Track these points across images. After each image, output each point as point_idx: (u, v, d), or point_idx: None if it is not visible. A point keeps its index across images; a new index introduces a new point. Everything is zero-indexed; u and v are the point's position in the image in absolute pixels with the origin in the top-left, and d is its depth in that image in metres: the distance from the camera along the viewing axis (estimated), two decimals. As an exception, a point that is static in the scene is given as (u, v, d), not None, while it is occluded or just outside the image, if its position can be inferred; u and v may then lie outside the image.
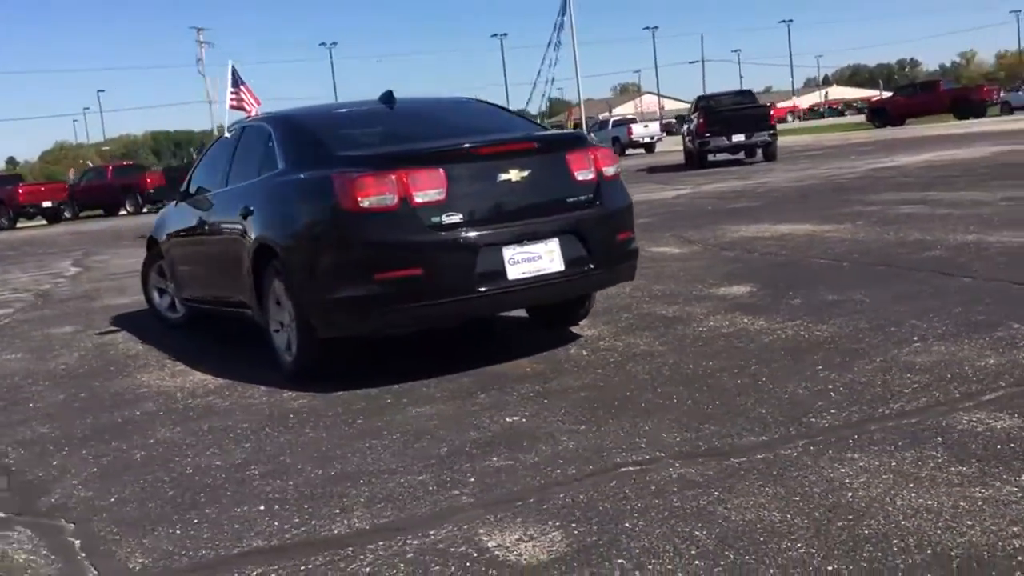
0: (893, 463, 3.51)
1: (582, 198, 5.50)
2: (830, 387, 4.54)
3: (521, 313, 6.56)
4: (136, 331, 8.22)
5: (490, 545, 3.18)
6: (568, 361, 5.60)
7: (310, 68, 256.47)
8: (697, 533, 3.09)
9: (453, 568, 3.04)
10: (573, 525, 3.26)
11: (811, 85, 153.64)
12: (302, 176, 5.54)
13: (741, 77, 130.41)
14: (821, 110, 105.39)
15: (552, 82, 60.69)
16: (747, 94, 29.04)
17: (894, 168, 18.46)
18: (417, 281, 5.04)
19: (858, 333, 5.51)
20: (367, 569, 3.10)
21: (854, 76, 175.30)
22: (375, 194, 5.05)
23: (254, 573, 3.17)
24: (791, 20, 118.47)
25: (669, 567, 2.88)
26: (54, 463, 4.68)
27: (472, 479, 3.83)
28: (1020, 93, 51.01)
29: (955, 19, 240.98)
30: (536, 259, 5.25)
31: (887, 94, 63.54)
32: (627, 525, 3.21)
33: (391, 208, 5.05)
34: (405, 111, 6.40)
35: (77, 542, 3.64)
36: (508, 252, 5.19)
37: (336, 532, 3.45)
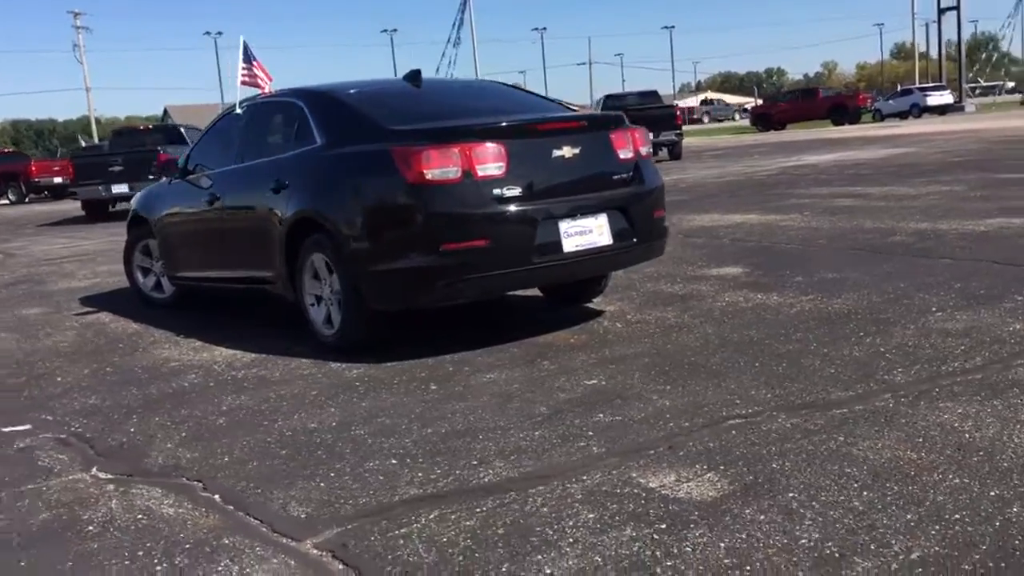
0: (988, 410, 3.85)
1: (624, 175, 5.74)
2: (882, 350, 4.88)
3: (531, 292, 6.73)
4: (117, 312, 8.08)
5: (652, 485, 3.38)
6: (608, 333, 5.81)
7: (193, 57, 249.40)
8: (848, 470, 3.35)
9: (631, 505, 3.22)
10: (722, 468, 3.48)
11: (685, 91, 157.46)
12: (354, 150, 5.60)
13: (623, 80, 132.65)
14: (699, 115, 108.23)
15: (452, 78, 60.80)
16: (652, 95, 29.77)
17: (807, 166, 19.28)
18: (482, 252, 5.18)
19: (877, 305, 5.89)
20: (545, 509, 3.26)
21: (725, 83, 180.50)
22: (439, 166, 5.17)
23: (431, 515, 3.30)
24: (673, 26, 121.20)
25: (840, 497, 3.13)
26: (131, 430, 4.66)
27: (591, 433, 4.02)
28: (890, 102, 53.52)
29: (818, 31, 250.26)
30: (587, 233, 5.46)
31: (759, 101, 65.70)
32: (774, 466, 3.45)
33: (455, 181, 5.18)
34: (437, 89, 6.52)
35: (216, 496, 3.69)
36: (563, 225, 5.38)
37: (487, 480, 3.59)
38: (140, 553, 3.20)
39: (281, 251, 6.04)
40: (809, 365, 4.72)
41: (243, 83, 7.38)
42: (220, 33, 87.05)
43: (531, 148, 5.41)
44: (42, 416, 5.07)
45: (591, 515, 3.18)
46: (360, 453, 4.01)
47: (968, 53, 69.58)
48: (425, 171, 5.16)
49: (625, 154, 5.75)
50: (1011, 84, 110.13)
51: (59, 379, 5.88)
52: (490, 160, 5.24)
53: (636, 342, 5.51)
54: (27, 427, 4.89)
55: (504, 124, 5.48)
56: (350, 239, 5.48)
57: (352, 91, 6.25)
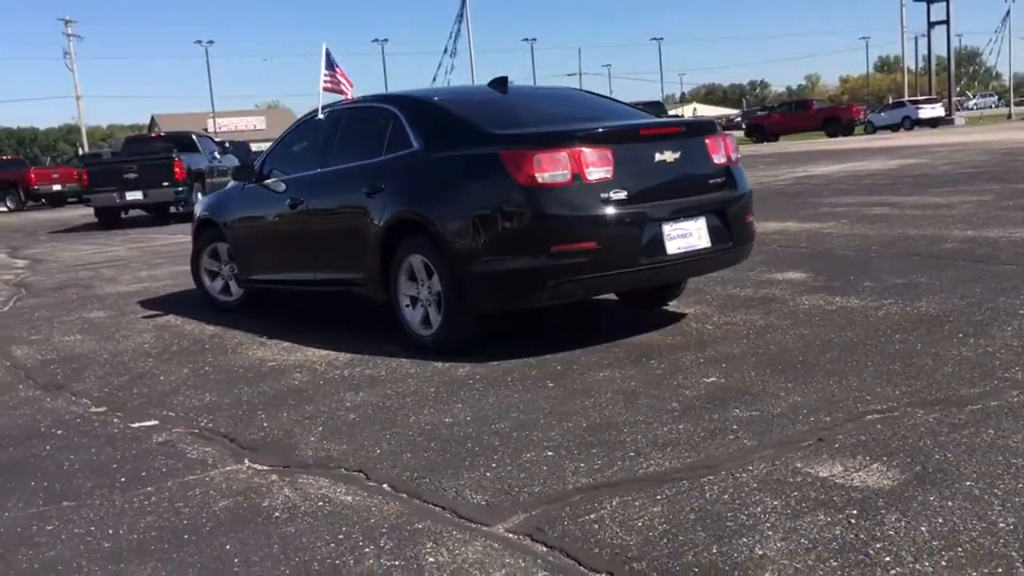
0: None
1: (719, 180, 5.89)
2: (990, 350, 5.03)
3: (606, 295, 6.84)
4: (184, 314, 8.18)
5: (823, 475, 3.51)
6: (702, 334, 5.95)
7: (185, 65, 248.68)
8: (1015, 460, 3.49)
9: (811, 492, 3.35)
10: (885, 459, 3.62)
11: (670, 102, 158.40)
12: (459, 154, 5.72)
13: (611, 91, 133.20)
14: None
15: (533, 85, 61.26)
16: (658, 105, 29.96)
17: (819, 176, 19.50)
18: (592, 253, 5.32)
19: (962, 308, 6.05)
20: (725, 496, 3.39)
21: (709, 95, 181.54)
22: (550, 170, 5.30)
23: (612, 502, 3.42)
24: (662, 38, 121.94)
25: (1019, 485, 3.26)
26: (264, 425, 4.76)
27: (735, 427, 4.15)
28: (883, 114, 54.04)
29: (802, 44, 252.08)
30: (688, 235, 5.61)
31: (745, 111, 66.14)
32: (938, 458, 3.59)
33: (565, 184, 5.32)
34: (525, 95, 6.66)
35: (385, 486, 3.80)
36: (666, 228, 5.52)
37: (652, 470, 3.72)
38: (340, 536, 3.31)
39: (376, 253, 6.14)
40: (923, 364, 4.86)
41: (325, 89, 7.49)
42: (211, 42, 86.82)
43: (635, 153, 5.55)
44: (164, 412, 5.16)
45: (775, 502, 3.30)
46: (512, 446, 4.12)
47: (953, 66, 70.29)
48: (536, 174, 5.29)
49: (719, 159, 5.89)
50: (992, 98, 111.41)
51: (162, 378, 5.96)
52: (598, 164, 5.38)
53: (734, 343, 5.64)
54: (155, 423, 4.98)
55: (610, 129, 5.62)
56: (456, 240, 5.59)
57: (446, 97, 6.38)
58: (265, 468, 4.13)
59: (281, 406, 5.07)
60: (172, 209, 21.37)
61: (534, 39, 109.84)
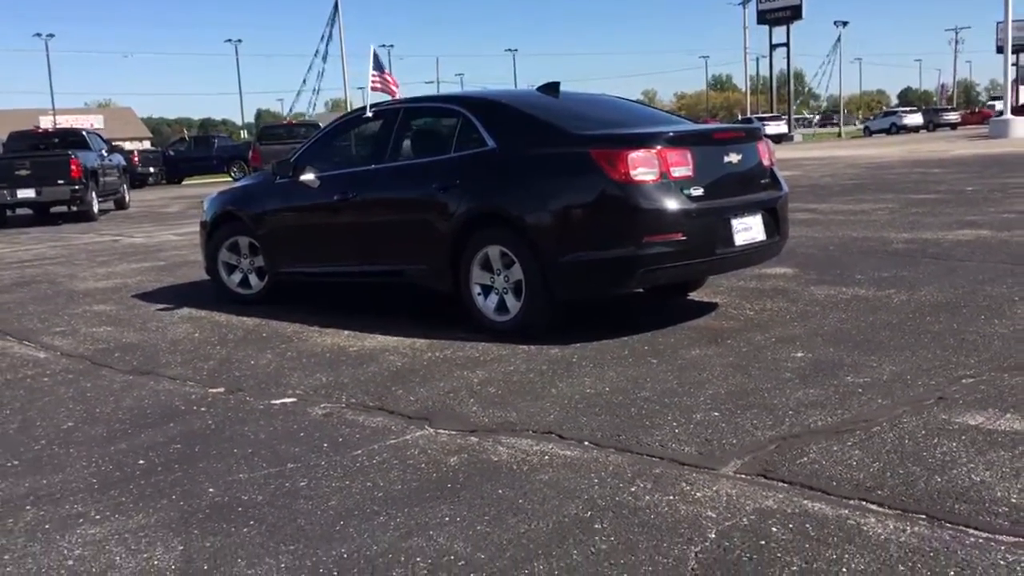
0: None
1: (767, 180, 6.60)
2: (1021, 327, 5.87)
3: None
4: (203, 307, 8.36)
5: (973, 423, 4.20)
6: (751, 319, 6.62)
7: (22, 59, 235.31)
8: (1120, 407, 4.27)
9: (978, 436, 4.04)
10: (1011, 411, 4.34)
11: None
12: (546, 152, 6.21)
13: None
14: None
15: (318, 92, 60.61)
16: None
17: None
18: (678, 244, 5.91)
19: (964, 296, 6.96)
20: (906, 441, 4.04)
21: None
22: (641, 168, 5.87)
23: (811, 447, 4.01)
24: (516, 49, 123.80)
25: None
26: (411, 399, 5.14)
27: (859, 390, 4.81)
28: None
29: (643, 61, 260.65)
30: (749, 229, 6.28)
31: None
32: (1057, 408, 4.34)
33: (654, 180, 5.90)
34: (579, 100, 7.22)
35: (586, 443, 4.28)
36: (735, 222, 6.18)
37: (821, 424, 4.34)
38: (596, 480, 3.78)
39: (447, 244, 6.55)
40: (973, 340, 5.66)
41: (374, 89, 7.85)
42: (52, 35, 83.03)
43: (708, 154, 6.18)
44: (291, 391, 5.45)
45: (952, 443, 3.97)
46: (675, 410, 4.66)
47: (779, 87, 74.45)
48: (630, 171, 5.84)
49: (766, 162, 6.59)
50: (817, 117, 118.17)
51: (251, 363, 6.21)
52: (680, 163, 5.98)
53: (788, 325, 6.33)
54: (292, 400, 5.27)
55: (688, 132, 6.24)
56: (544, 232, 6.08)
57: (513, 100, 6.86)
58: (455, 432, 4.52)
59: (410, 383, 5.42)
60: (65, 208, 20.74)
61: (391, 45, 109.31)
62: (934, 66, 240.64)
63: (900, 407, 4.48)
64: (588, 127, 6.36)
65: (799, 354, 5.57)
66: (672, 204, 5.89)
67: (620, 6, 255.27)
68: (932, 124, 68.66)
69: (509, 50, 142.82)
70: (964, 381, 4.85)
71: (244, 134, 74.12)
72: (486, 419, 4.68)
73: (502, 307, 6.42)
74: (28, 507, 3.86)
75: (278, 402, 5.23)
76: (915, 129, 66.96)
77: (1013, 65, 52.26)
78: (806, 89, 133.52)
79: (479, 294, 6.53)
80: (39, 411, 5.32)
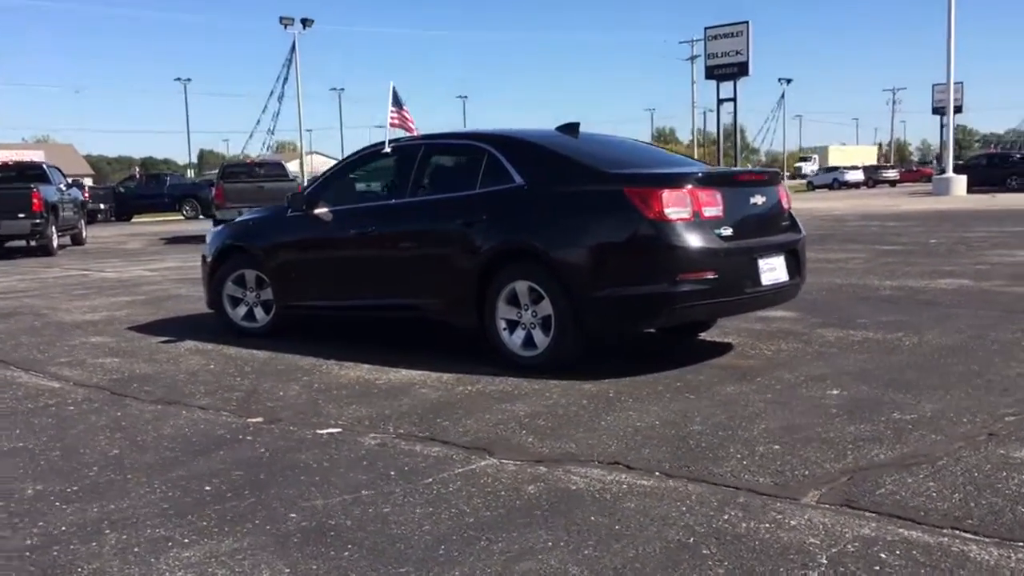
0: None
1: (787, 223, 6.76)
2: (1041, 370, 6.06)
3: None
4: (205, 339, 8.25)
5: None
6: (771, 359, 6.74)
7: None
8: None
9: (1042, 469, 4.16)
10: (1066, 444, 4.48)
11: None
12: (578, 189, 6.29)
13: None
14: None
15: (273, 132, 60.52)
16: (277, 166, 28.29)
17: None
18: (711, 282, 6.02)
19: (969, 339, 7.17)
20: (975, 472, 4.15)
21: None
22: (675, 206, 5.99)
23: (885, 479, 4.09)
24: (466, 96, 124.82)
25: None
26: (459, 430, 5.14)
27: (909, 426, 4.92)
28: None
29: (591, 113, 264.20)
30: (774, 270, 6.42)
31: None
32: (1105, 443, 4.49)
33: (687, 219, 6.02)
34: (599, 141, 7.34)
35: (657, 473, 4.32)
36: (761, 262, 6.31)
37: (883, 457, 4.42)
38: (684, 507, 3.82)
39: (472, 279, 6.59)
40: (1000, 381, 5.85)
41: (392, 126, 7.88)
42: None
43: (735, 195, 6.32)
44: (333, 421, 5.42)
45: (1021, 476, 4.07)
46: (735, 442, 4.73)
47: (721, 140, 75.95)
48: (664, 209, 5.96)
49: (785, 204, 6.76)
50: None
51: (280, 394, 6.16)
52: (711, 203, 6.11)
53: (812, 365, 6.46)
54: (338, 430, 5.24)
55: (718, 173, 6.39)
56: (576, 268, 6.15)
57: (538, 138, 6.95)
58: (520, 462, 4.53)
59: (453, 415, 5.42)
60: (24, 243, 20.36)
61: (342, 89, 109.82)
62: (871, 124, 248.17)
63: (955, 442, 4.59)
64: (616, 166, 6.46)
65: (834, 391, 5.68)
66: (705, 243, 6.00)
67: (571, 58, 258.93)
68: (872, 181, 70.41)
69: (460, 97, 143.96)
70: (1008, 419, 4.97)
71: (190, 173, 73.44)
72: (546, 450, 4.70)
73: (529, 342, 6.45)
74: (107, 531, 3.79)
75: (324, 432, 5.19)
76: (856, 185, 68.62)
77: (946, 127, 54.01)
78: (749, 144, 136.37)
79: (504, 329, 6.55)
80: (77, 439, 5.22)
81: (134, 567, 3.42)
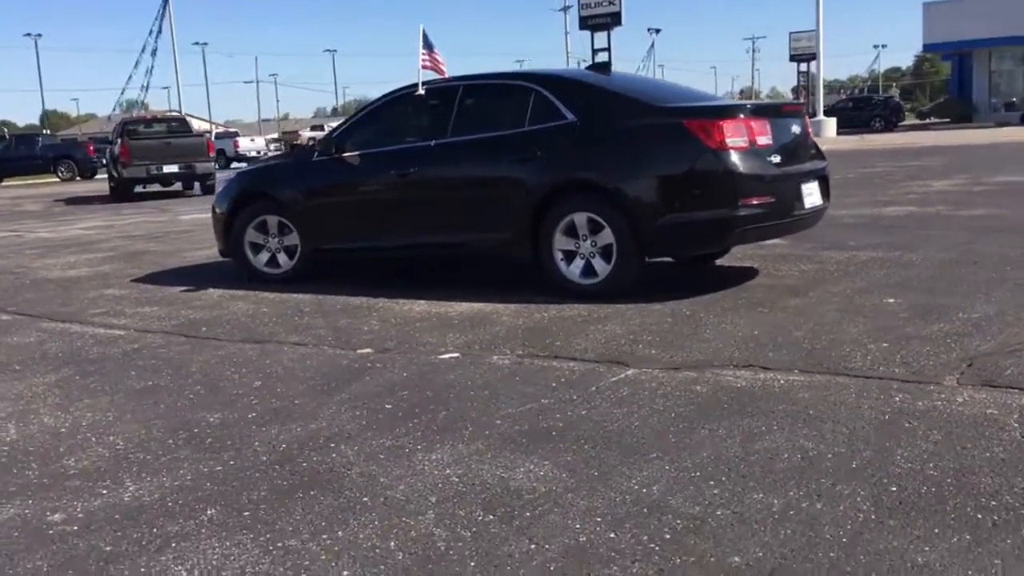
0: None
1: (814, 151, 7.30)
2: (1053, 275, 6.78)
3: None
4: (233, 287, 8.30)
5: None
6: (802, 277, 7.27)
7: None
8: None
9: None
10: None
11: (320, 115, 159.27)
12: (638, 123, 6.65)
13: (278, 100, 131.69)
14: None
15: (147, 89, 58.34)
16: (181, 121, 27.62)
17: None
18: (768, 206, 6.49)
19: (961, 256, 7.82)
20: (1074, 355, 4.75)
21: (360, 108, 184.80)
22: (734, 136, 6.42)
23: (1006, 363, 4.66)
24: (335, 50, 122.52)
25: None
26: (579, 348, 5.49)
27: (984, 323, 5.51)
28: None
29: (459, 64, 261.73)
30: (812, 194, 6.95)
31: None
32: None
33: (744, 148, 6.46)
34: (632, 79, 7.72)
35: (795, 371, 4.79)
36: (803, 187, 6.83)
37: (985, 348, 4.96)
38: (861, 399, 4.29)
39: (528, 213, 6.89)
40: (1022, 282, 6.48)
41: (424, 67, 8.03)
42: None
43: (779, 125, 6.80)
44: (441, 348, 5.67)
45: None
46: (845, 344, 5.19)
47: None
48: (726, 139, 6.38)
49: (812, 135, 7.28)
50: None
51: (364, 328, 6.35)
52: (763, 132, 6.57)
53: (845, 280, 7.03)
54: (457, 354, 5.51)
55: (765, 104, 6.83)
56: (640, 198, 6.53)
57: (582, 76, 7.28)
58: (664, 370, 4.90)
59: (557, 337, 5.72)
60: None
61: (205, 43, 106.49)
62: (729, 73, 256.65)
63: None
64: (664, 100, 6.85)
65: (890, 300, 6.24)
66: (761, 170, 6.46)
67: (441, 9, 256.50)
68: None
69: (328, 50, 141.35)
70: (1060, 316, 5.59)
71: (47, 132, 70.15)
72: (677, 359, 5.08)
73: (588, 271, 6.78)
74: (337, 443, 4.01)
75: (447, 356, 5.45)
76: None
77: (803, 74, 56.23)
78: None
79: (561, 260, 6.87)
80: (206, 375, 5.33)
81: (395, 467, 3.67)
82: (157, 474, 3.78)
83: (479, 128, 7.36)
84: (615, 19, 61.68)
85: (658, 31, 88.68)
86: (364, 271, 8.50)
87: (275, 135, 63.27)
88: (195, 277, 8.97)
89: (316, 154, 7.99)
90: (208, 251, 10.53)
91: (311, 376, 5.15)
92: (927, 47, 53.45)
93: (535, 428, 4.06)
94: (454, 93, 7.56)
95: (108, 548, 3.11)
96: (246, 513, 3.33)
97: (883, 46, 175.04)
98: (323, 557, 2.94)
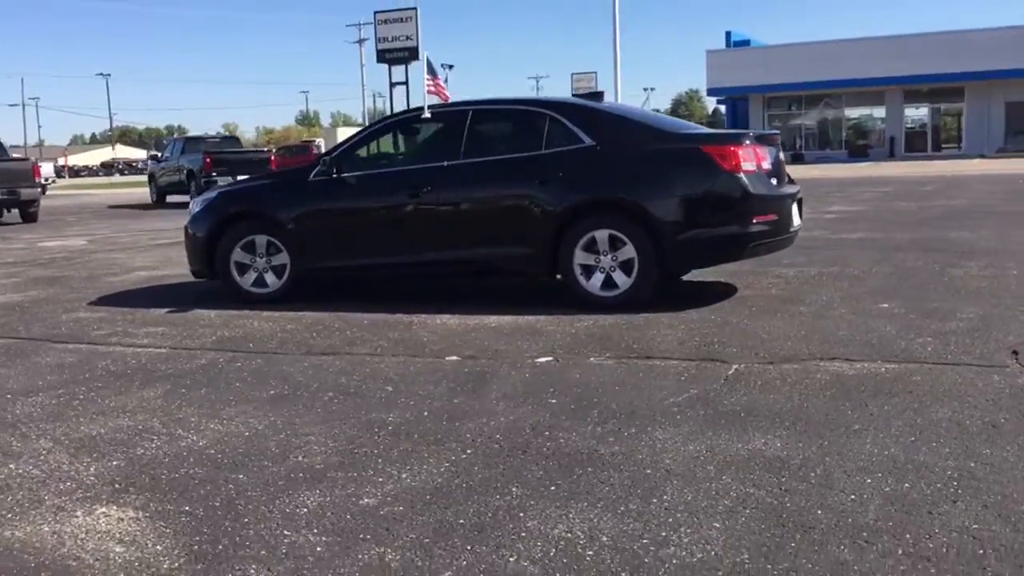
0: None
1: (788, 176, 8.22)
2: (995, 276, 7.95)
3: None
4: (238, 308, 8.25)
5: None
6: (783, 288, 8.15)
7: None
8: None
9: None
10: (1111, 322, 6.25)
11: (80, 143, 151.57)
12: (658, 148, 7.33)
13: (39, 126, 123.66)
14: (119, 166, 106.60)
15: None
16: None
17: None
18: (773, 223, 7.31)
19: (902, 265, 8.96)
20: (1091, 342, 5.77)
21: (124, 136, 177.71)
22: (746, 161, 7.21)
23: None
24: (109, 74, 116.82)
25: None
26: (657, 350, 6.06)
27: (974, 315, 6.51)
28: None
29: (224, 94, 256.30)
30: (795, 215, 7.85)
31: (156, 153, 66.90)
32: None
33: (754, 171, 7.26)
34: (631, 108, 8.41)
35: (879, 360, 5.58)
36: (791, 208, 7.72)
37: (1011, 339, 5.95)
38: (980, 380, 5.09)
39: (549, 230, 7.41)
40: (980, 288, 7.59)
41: (430, 92, 8.38)
42: None
43: (769, 152, 7.66)
44: (524, 354, 6.09)
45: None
46: (893, 339, 6.00)
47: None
48: (741, 163, 7.16)
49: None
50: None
51: (424, 338, 6.66)
52: (764, 158, 7.40)
53: (822, 290, 7.93)
54: (550, 358, 5.93)
55: (763, 134, 7.66)
56: (661, 216, 7.17)
57: (591, 104, 7.90)
58: (761, 364, 5.48)
59: (620, 343, 6.19)
60: None
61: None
62: None
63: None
64: (674, 128, 7.57)
65: (884, 305, 7.14)
66: (767, 190, 7.27)
67: (226, 38, 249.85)
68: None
69: (101, 74, 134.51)
70: (1035, 313, 6.65)
71: None
72: (764, 355, 5.69)
73: (608, 284, 7.34)
74: (559, 430, 4.38)
75: (542, 360, 5.84)
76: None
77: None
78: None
79: (581, 274, 7.41)
80: (319, 383, 5.47)
81: (641, 447, 4.10)
82: (420, 461, 4.00)
83: (493, 151, 7.80)
84: (412, 53, 62.54)
85: (451, 67, 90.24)
86: (340, 290, 8.66)
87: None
88: (161, 299, 8.85)
89: (314, 174, 8.13)
90: (136, 274, 10.42)
91: (436, 380, 5.41)
92: (711, 91, 57.26)
93: (719, 411, 4.55)
94: (463, 118, 7.95)
95: (461, 521, 3.37)
96: (552, 488, 3.66)
97: (652, 89, 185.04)
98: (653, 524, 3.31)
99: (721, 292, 8.00)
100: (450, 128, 7.95)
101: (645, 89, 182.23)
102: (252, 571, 3.00)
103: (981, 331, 6.02)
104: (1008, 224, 13.05)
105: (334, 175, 8.05)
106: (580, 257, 7.34)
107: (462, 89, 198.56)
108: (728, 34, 54.90)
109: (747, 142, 7.25)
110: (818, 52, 49.08)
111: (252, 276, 8.36)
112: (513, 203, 7.51)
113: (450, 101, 8.71)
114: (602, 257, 7.32)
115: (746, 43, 54.57)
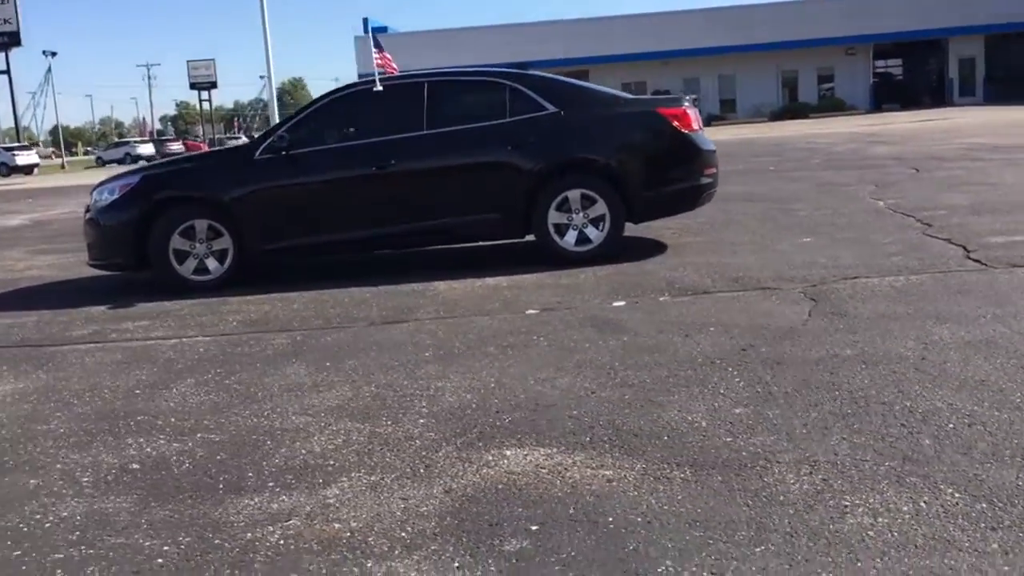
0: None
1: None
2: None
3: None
4: (167, 299, 7.80)
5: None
6: (720, 231, 9.16)
7: None
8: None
9: None
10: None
11: None
12: (619, 112, 8.03)
13: None
14: None
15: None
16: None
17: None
18: (715, 176, 8.26)
19: (781, 212, 10.35)
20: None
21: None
22: (694, 121, 8.14)
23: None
24: None
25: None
26: (676, 288, 6.86)
27: (947, 224, 7.90)
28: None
29: None
30: (710, 166, 8.88)
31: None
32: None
33: (699, 130, 8.21)
34: (567, 79, 9.06)
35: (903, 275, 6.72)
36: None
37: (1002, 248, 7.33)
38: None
39: (523, 193, 7.86)
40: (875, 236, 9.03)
41: (378, 66, 8.43)
42: None
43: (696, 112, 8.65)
44: (574, 306, 6.58)
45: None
46: (901, 255, 7.11)
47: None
48: (692, 123, 8.09)
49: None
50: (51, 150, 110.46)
51: (432, 306, 6.93)
52: (698, 118, 8.40)
53: (747, 226, 9.05)
54: (622, 303, 6.23)
55: (694, 97, 8.60)
56: (630, 173, 7.85)
57: (549, 76, 8.55)
58: (802, 288, 6.36)
59: (635, 292, 6.59)
60: None
61: None
62: (131, 99, 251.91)
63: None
64: (619, 94, 8.38)
65: (807, 239, 8.35)
66: (710, 147, 8.24)
67: None
68: (162, 154, 70.56)
69: None
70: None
71: None
72: (798, 281, 6.48)
73: (582, 240, 7.93)
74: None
75: (616, 304, 6.28)
76: (150, 158, 68.32)
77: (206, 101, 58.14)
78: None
79: (554, 233, 7.97)
80: (415, 353, 5.53)
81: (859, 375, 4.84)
82: (660, 409, 4.14)
83: (456, 120, 8.00)
84: (13, 39, 58.07)
85: (54, 54, 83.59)
86: (283, 271, 8.58)
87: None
88: (93, 291, 8.24)
89: (259, 152, 7.99)
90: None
91: (572, 325, 5.75)
92: (362, 76, 57.98)
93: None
94: (420, 89, 8.13)
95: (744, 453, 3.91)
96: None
97: (263, 77, 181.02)
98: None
99: (654, 244, 8.75)
100: (408, 100, 8.06)
101: (261, 77, 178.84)
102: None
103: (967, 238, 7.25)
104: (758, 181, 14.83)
105: (284, 152, 7.90)
106: (554, 217, 7.81)
107: (62, 79, 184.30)
108: (365, 20, 56.21)
109: (687, 103, 8.12)
110: (448, 38, 54.21)
111: (193, 263, 7.99)
112: (485, 170, 7.82)
113: (397, 74, 8.73)
114: (574, 215, 7.83)
115: (384, 30, 56.35)
